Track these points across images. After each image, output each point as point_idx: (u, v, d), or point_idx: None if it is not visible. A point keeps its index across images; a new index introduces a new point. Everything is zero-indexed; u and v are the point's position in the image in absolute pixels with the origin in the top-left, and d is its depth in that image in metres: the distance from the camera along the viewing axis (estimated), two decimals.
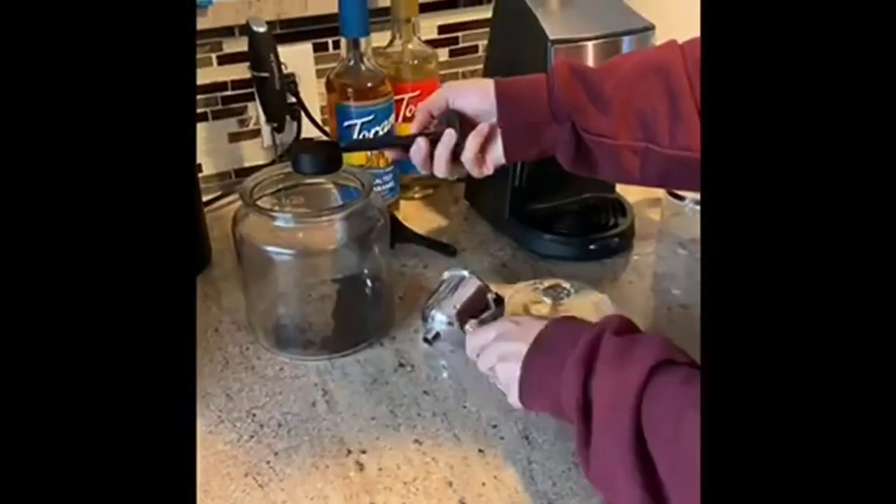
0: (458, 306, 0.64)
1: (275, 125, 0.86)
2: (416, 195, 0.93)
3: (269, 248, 0.66)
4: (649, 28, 0.74)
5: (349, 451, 0.58)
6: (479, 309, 0.65)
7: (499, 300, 0.67)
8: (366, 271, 0.73)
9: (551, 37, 0.71)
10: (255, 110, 0.92)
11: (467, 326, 0.64)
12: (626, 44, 0.73)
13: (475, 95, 0.63)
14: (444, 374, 0.65)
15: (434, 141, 0.63)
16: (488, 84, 0.62)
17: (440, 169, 0.63)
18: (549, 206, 0.85)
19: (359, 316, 0.73)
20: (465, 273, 0.67)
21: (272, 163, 0.91)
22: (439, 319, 0.65)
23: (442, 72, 0.97)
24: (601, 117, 0.59)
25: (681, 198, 0.83)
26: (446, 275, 0.68)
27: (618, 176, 0.64)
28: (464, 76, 1.02)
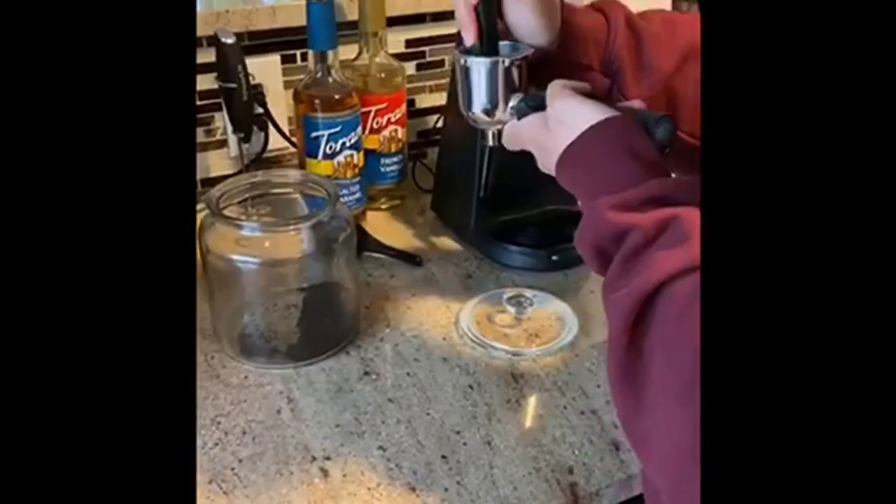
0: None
1: (242, 135, 0.87)
2: (383, 206, 0.94)
3: (235, 257, 0.67)
4: None
5: (313, 458, 0.58)
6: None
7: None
8: (332, 280, 0.74)
9: None
10: (222, 121, 0.92)
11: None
12: None
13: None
14: (409, 382, 0.66)
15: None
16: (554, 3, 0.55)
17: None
18: (513, 217, 0.87)
19: (324, 325, 0.73)
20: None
21: (238, 173, 0.92)
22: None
23: (409, 85, 0.99)
24: (637, 86, 0.55)
25: None
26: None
27: None
28: (430, 90, 1.03)
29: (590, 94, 0.51)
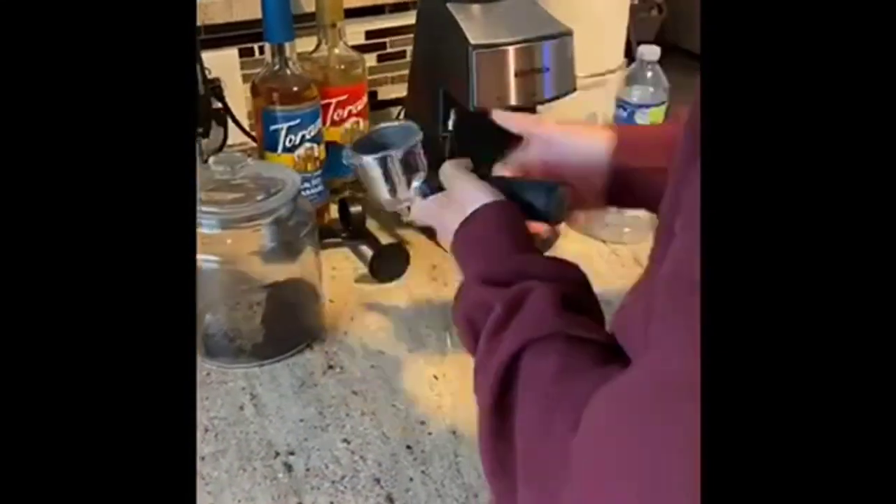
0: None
1: (200, 131, 0.85)
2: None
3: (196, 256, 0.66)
4: (567, 34, 0.76)
5: (277, 454, 0.58)
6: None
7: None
8: (295, 276, 0.73)
9: (473, 42, 0.73)
10: None
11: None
12: (546, 49, 0.75)
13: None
14: (374, 375, 0.66)
15: None
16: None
17: None
18: None
19: (289, 322, 0.73)
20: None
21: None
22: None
23: (371, 76, 0.98)
24: None
25: None
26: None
27: None
28: (392, 81, 1.03)
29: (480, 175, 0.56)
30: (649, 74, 0.91)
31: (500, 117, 0.63)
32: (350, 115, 0.89)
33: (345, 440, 0.59)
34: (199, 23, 0.86)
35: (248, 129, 0.91)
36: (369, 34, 0.99)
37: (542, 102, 0.77)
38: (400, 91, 1.03)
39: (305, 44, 0.86)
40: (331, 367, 0.67)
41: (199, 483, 0.55)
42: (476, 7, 0.76)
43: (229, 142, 0.90)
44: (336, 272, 0.80)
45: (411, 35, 0.89)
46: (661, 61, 0.90)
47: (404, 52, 1.01)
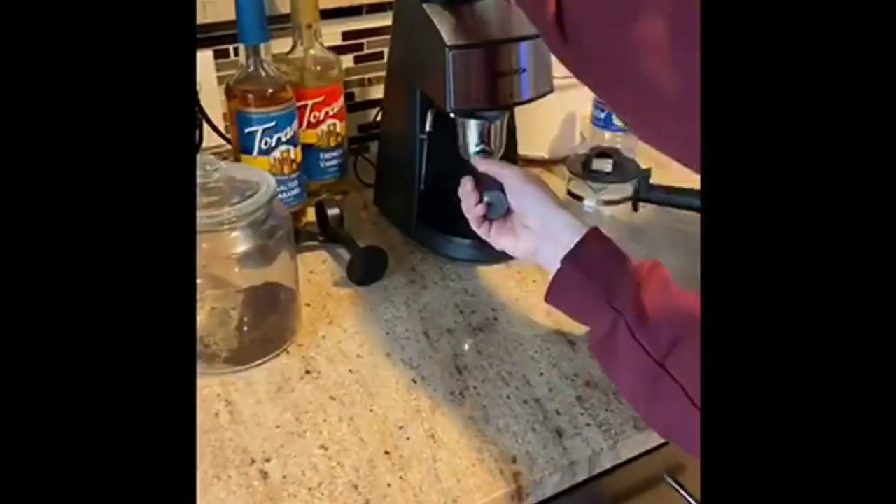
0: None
1: None
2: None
3: None
4: None
5: (253, 461, 0.57)
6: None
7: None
8: (271, 281, 0.72)
9: (449, 43, 0.72)
10: None
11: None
12: (523, 49, 0.75)
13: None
14: (352, 379, 0.65)
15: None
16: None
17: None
18: (456, 209, 0.86)
19: (266, 327, 0.72)
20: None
21: None
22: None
23: (348, 78, 0.98)
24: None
25: (580, 198, 0.86)
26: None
27: None
28: (369, 82, 1.02)
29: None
30: None
31: (482, 165, 0.70)
32: (327, 116, 0.88)
33: (322, 446, 0.58)
34: None
35: (223, 131, 0.90)
36: (346, 35, 0.98)
37: (519, 103, 0.77)
38: (377, 92, 1.02)
39: (281, 45, 0.86)
40: (308, 372, 0.66)
41: None
42: (452, 8, 0.76)
43: (204, 144, 0.89)
44: (313, 276, 0.80)
45: (388, 36, 0.88)
46: None
47: (381, 53, 1.01)
